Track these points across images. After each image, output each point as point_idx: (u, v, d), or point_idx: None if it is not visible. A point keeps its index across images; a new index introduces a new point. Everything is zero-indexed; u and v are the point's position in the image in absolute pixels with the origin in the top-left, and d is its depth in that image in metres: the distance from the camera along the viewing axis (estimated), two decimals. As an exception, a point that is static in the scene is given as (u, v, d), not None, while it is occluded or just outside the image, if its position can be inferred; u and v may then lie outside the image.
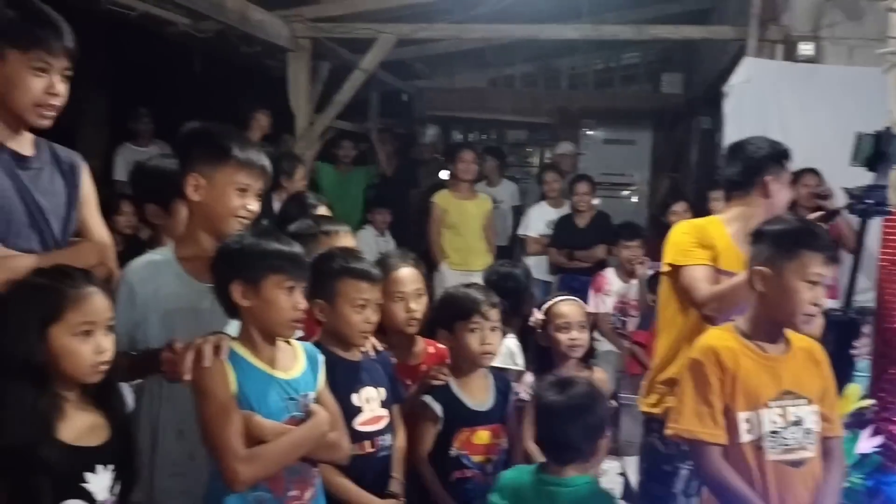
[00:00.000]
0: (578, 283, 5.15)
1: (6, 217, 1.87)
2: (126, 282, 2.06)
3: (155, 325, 2.02)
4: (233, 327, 1.94)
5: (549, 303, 2.89)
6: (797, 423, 2.02)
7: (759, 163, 2.61)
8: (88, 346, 1.70)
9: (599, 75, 10.00)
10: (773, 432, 1.99)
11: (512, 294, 3.03)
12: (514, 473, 2.25)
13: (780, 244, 2.03)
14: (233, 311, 1.90)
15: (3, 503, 1.61)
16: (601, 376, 2.93)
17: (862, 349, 2.31)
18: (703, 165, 7.30)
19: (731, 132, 4.81)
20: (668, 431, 2.09)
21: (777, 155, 2.64)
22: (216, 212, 2.05)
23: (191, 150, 2.08)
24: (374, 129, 6.88)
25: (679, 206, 4.73)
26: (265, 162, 2.11)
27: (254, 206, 2.08)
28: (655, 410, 2.61)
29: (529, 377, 2.83)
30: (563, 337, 2.82)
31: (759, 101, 4.72)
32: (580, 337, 2.83)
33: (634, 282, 4.64)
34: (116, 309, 1.83)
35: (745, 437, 1.99)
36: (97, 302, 1.73)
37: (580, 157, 7.26)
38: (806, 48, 4.79)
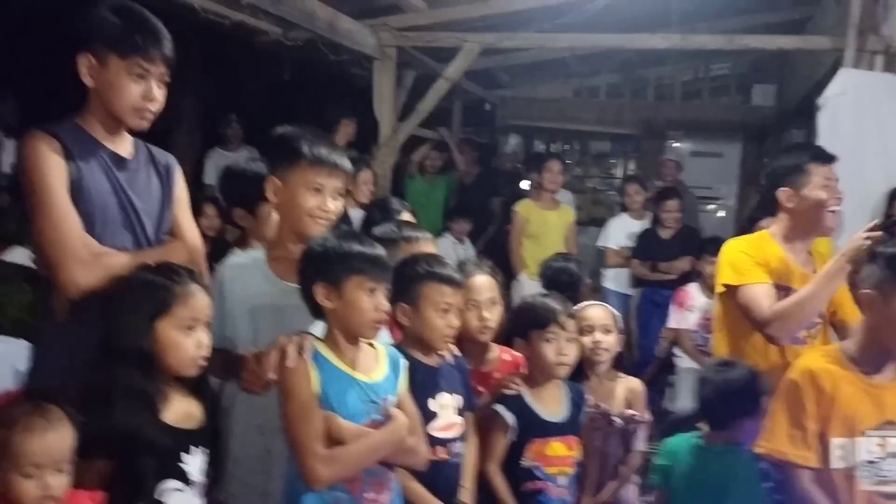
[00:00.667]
0: (661, 297, 5.06)
1: (102, 216, 1.95)
2: (217, 280, 2.13)
3: (242, 322, 2.08)
4: (318, 328, 1.98)
5: (577, 307, 2.84)
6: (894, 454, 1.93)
7: (774, 178, 2.67)
8: (191, 341, 1.80)
9: (687, 86, 9.79)
10: (870, 462, 1.92)
11: (567, 287, 3.08)
12: (675, 439, 2.57)
13: (892, 267, 1.94)
14: (317, 312, 1.94)
15: (107, 481, 1.70)
16: (634, 386, 2.88)
17: None
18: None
19: (826, 145, 4.64)
20: (758, 450, 2.06)
21: (791, 168, 2.62)
22: (293, 213, 2.09)
23: (270, 154, 2.14)
24: (452, 137, 6.89)
25: (767, 222, 4.57)
26: (339, 160, 2.10)
27: (331, 204, 2.09)
28: None
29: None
30: (585, 339, 2.78)
31: (855, 113, 4.55)
32: (604, 340, 2.81)
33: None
34: None
35: (838, 464, 1.93)
36: (200, 299, 1.83)
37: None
38: (906, 59, 4.58)
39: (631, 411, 2.83)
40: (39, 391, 1.72)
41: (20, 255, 3.38)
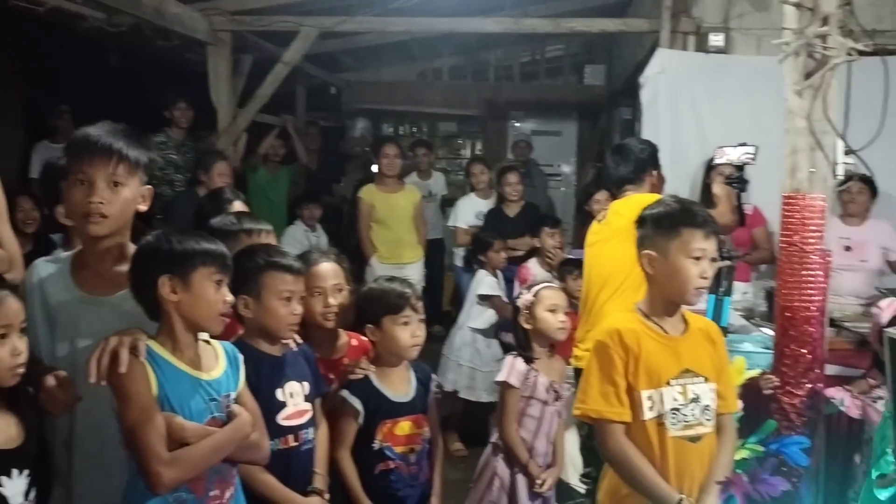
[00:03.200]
0: (509, 272, 5.21)
1: None
2: (23, 282, 2.02)
3: (41, 331, 1.97)
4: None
5: (538, 287, 2.95)
6: (695, 399, 2.10)
7: (646, 161, 3.18)
8: (5, 349, 1.68)
9: (525, 67, 10.13)
10: (674, 409, 2.07)
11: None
12: None
13: (660, 225, 2.12)
14: (153, 311, 1.87)
15: None
16: (559, 365, 3.00)
17: None
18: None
19: (648, 122, 4.97)
20: (575, 412, 2.16)
21: (656, 153, 3.25)
22: (71, 213, 1.98)
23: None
24: (290, 122, 6.79)
25: (601, 195, 4.83)
26: (117, 145, 1.91)
27: (99, 196, 1.89)
28: None
29: (520, 363, 2.88)
30: (552, 317, 2.88)
31: (673, 91, 4.86)
32: (567, 320, 2.92)
33: (558, 271, 4.73)
34: None
35: (648, 415, 2.06)
36: (10, 305, 1.71)
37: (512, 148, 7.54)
38: (716, 39, 4.96)
39: (567, 384, 2.95)
40: None
41: None
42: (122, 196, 1.93)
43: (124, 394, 1.75)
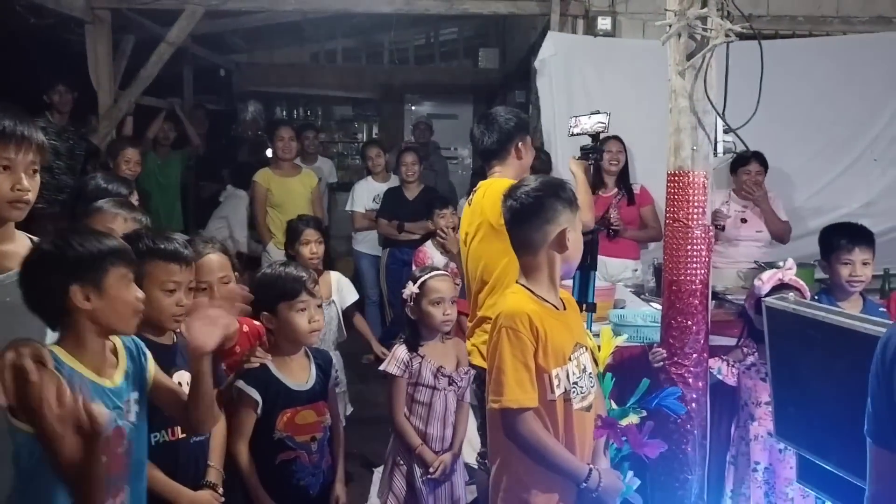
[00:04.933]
0: (408, 256, 5.19)
1: None
2: None
3: None
4: None
5: (424, 277, 2.89)
6: (584, 370, 2.16)
7: (510, 131, 3.03)
8: None
9: (420, 51, 10.13)
10: (575, 383, 2.11)
11: None
12: None
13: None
14: (54, 320, 1.76)
15: None
16: (461, 346, 2.99)
17: None
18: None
19: (544, 104, 5.05)
20: (493, 406, 2.07)
21: (523, 123, 3.11)
22: None
23: None
24: (177, 105, 6.55)
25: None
26: (27, 130, 1.85)
27: (24, 183, 1.84)
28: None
29: (402, 350, 2.86)
30: (436, 311, 2.84)
31: (565, 73, 4.96)
32: (452, 312, 2.88)
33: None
34: None
35: (557, 392, 2.07)
36: None
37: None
38: (604, 23, 5.09)
39: (464, 368, 2.93)
40: None
41: None
42: (37, 182, 1.89)
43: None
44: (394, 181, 5.89)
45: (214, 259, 2.46)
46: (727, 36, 2.58)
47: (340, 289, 3.78)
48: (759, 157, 4.43)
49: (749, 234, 4.50)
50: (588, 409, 2.16)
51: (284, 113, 10.47)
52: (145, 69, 5.60)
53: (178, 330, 2.22)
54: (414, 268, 4.78)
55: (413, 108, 9.94)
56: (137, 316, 1.82)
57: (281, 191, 5.45)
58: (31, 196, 1.87)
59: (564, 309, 2.20)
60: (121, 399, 1.82)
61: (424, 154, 6.74)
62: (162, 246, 2.12)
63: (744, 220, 4.50)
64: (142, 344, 1.95)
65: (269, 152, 6.05)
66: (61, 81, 5.07)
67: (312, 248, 3.67)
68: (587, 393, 2.15)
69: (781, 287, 2.76)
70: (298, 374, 2.49)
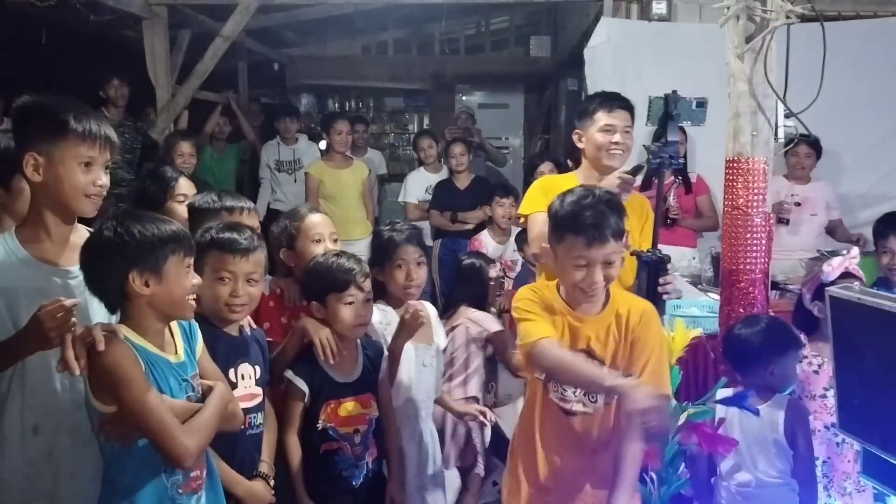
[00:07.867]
0: (460, 246, 5.21)
1: None
2: None
3: None
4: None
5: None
6: None
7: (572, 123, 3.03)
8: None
9: (471, 40, 10.07)
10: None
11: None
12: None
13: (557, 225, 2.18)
14: (115, 304, 1.84)
15: None
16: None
17: (668, 286, 2.50)
18: (571, 126, 7.49)
19: (593, 90, 4.97)
20: (518, 357, 2.23)
21: (582, 112, 2.94)
22: (63, 191, 1.93)
23: (26, 127, 1.94)
24: (233, 98, 6.65)
25: (545, 167, 4.86)
26: (108, 131, 1.99)
27: (103, 179, 1.98)
28: None
29: None
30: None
31: (618, 60, 4.88)
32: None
33: (511, 241, 4.74)
34: None
35: (540, 375, 2.17)
36: None
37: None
38: (659, 7, 4.98)
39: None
40: None
41: None
42: (108, 178, 2.02)
43: (119, 376, 1.71)
44: (446, 172, 5.89)
45: (320, 217, 2.68)
46: (788, 18, 2.51)
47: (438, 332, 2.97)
48: (809, 140, 4.27)
49: (805, 217, 4.44)
50: (569, 413, 2.16)
51: (337, 105, 10.55)
52: (201, 64, 5.69)
53: (241, 322, 2.26)
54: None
55: (464, 98, 9.90)
56: (194, 302, 1.88)
57: (333, 182, 5.52)
58: (105, 191, 2.00)
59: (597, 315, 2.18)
60: (186, 374, 1.90)
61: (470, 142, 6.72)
62: (220, 236, 2.17)
63: (798, 204, 4.43)
64: (195, 325, 2.00)
65: (322, 144, 6.10)
66: (116, 76, 5.17)
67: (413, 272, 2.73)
68: (573, 400, 2.16)
69: (843, 276, 2.67)
70: (345, 366, 2.47)
